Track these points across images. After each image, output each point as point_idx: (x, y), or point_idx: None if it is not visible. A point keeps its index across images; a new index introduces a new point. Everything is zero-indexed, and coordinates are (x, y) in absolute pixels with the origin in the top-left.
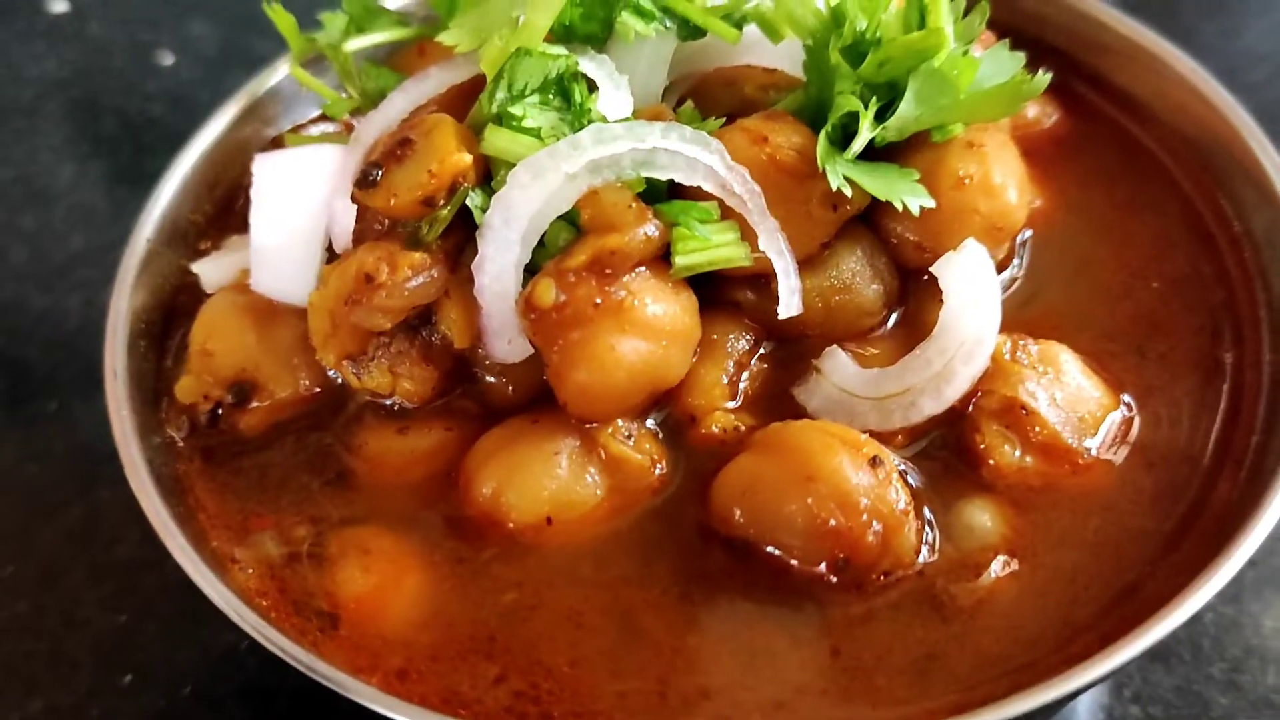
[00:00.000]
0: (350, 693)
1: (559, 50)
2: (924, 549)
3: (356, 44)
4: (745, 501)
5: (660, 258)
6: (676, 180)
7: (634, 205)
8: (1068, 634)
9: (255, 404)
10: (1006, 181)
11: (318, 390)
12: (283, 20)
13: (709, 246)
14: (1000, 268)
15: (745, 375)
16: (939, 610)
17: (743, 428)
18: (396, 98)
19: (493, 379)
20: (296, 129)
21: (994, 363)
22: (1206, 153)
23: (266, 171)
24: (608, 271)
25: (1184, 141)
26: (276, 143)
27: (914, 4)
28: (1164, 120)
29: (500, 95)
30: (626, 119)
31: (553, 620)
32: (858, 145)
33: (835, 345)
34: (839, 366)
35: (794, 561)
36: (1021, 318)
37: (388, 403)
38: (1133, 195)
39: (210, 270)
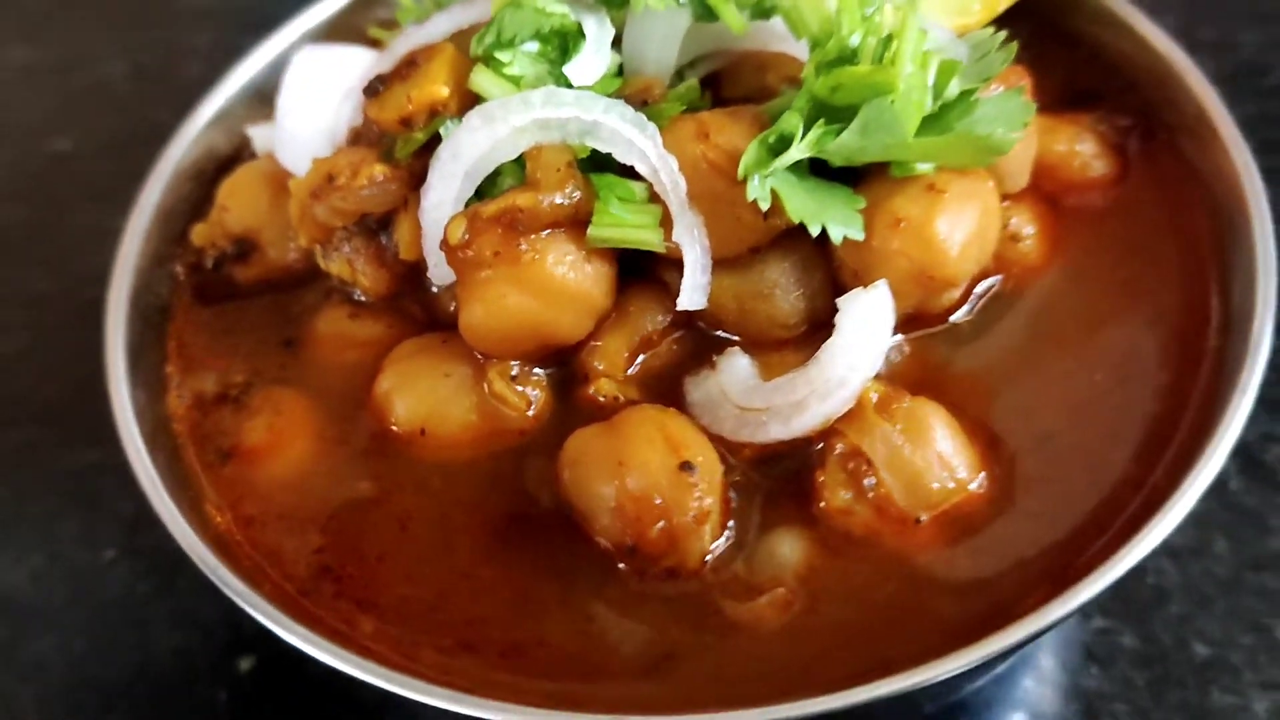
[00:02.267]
0: (177, 535)
1: (558, 8)
2: (712, 557)
3: None
4: (572, 468)
5: (583, 224)
6: (615, 156)
7: (563, 169)
8: (798, 685)
9: (253, 261)
10: (951, 234)
11: (303, 264)
12: None
13: (622, 224)
14: (945, 311)
15: (650, 352)
16: (701, 618)
17: (622, 399)
18: (441, 19)
19: (437, 291)
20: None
21: (858, 407)
22: (1229, 256)
23: (305, 60)
24: (516, 226)
25: (1218, 233)
26: None
27: (881, 40)
28: (1213, 203)
29: (489, 39)
30: (581, 88)
31: (385, 517)
32: (782, 162)
33: (739, 348)
34: (733, 369)
35: (594, 535)
36: (934, 366)
37: (354, 293)
38: (1135, 278)
39: (260, 136)
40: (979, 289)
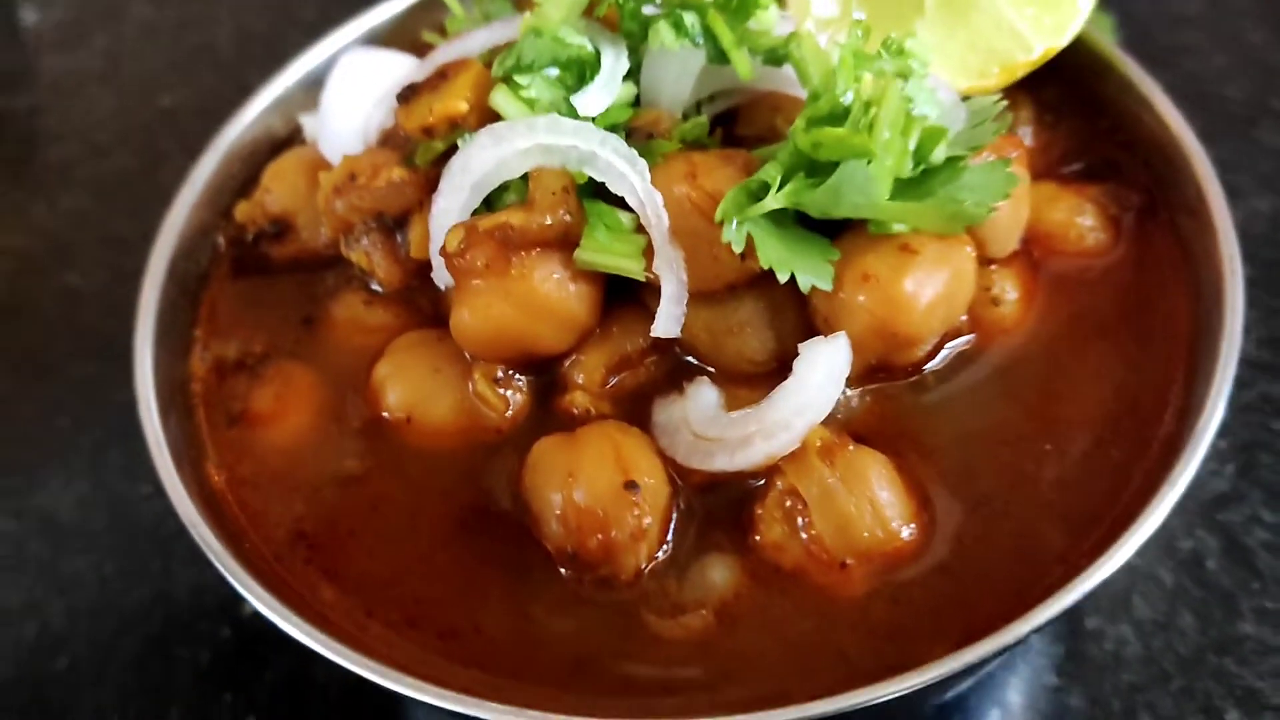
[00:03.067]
0: (169, 490)
1: (576, 39)
2: (647, 572)
3: None
4: (531, 472)
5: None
6: (608, 186)
7: (557, 193)
8: (701, 704)
9: (287, 241)
10: (918, 294)
11: (330, 249)
12: None
13: (607, 250)
14: (910, 366)
15: (629, 371)
16: (626, 628)
17: (594, 412)
18: (479, 34)
19: (444, 290)
20: None
21: (802, 450)
22: (1199, 346)
23: (350, 61)
24: (508, 241)
25: (1196, 322)
26: None
27: (861, 105)
28: (1196, 290)
29: (510, 62)
30: (585, 118)
31: (362, 495)
32: (756, 210)
33: (708, 379)
34: (699, 398)
35: (542, 537)
36: (890, 418)
37: (371, 282)
38: (1106, 354)
39: (310, 124)
40: (953, 345)
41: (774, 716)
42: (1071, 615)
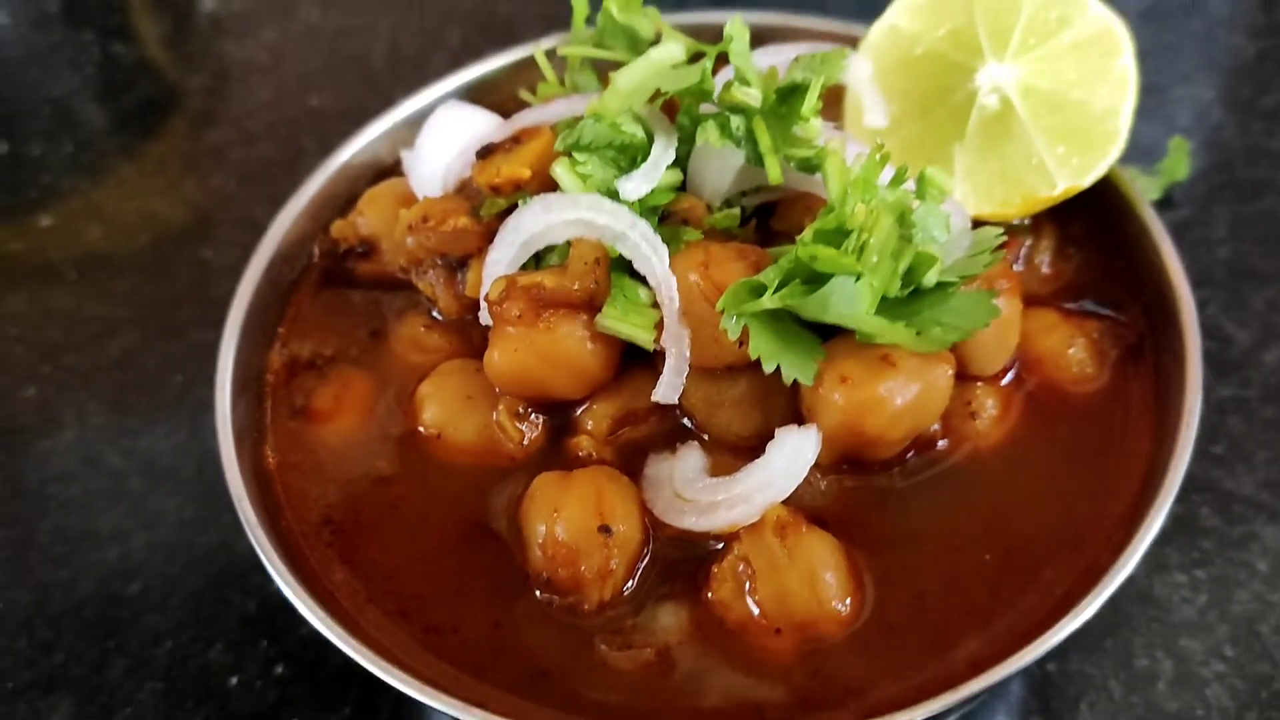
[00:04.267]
0: (226, 467)
1: (631, 127)
2: (608, 606)
3: (574, 50)
4: (527, 501)
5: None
6: (634, 264)
7: (589, 263)
8: None
9: (370, 261)
10: (888, 402)
11: (404, 274)
12: (579, 6)
13: (623, 320)
14: (879, 462)
15: (634, 425)
16: (580, 651)
17: (595, 456)
18: (558, 105)
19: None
20: None
21: (761, 523)
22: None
23: (444, 113)
24: (540, 298)
25: (1155, 466)
26: None
27: (857, 235)
28: (1160, 436)
29: (570, 140)
30: (626, 202)
31: (386, 495)
32: (750, 307)
33: (698, 444)
34: (687, 458)
35: (525, 560)
36: (851, 506)
37: (433, 309)
38: (1066, 482)
39: (407, 159)
40: (925, 450)
41: None
42: (1023, 714)
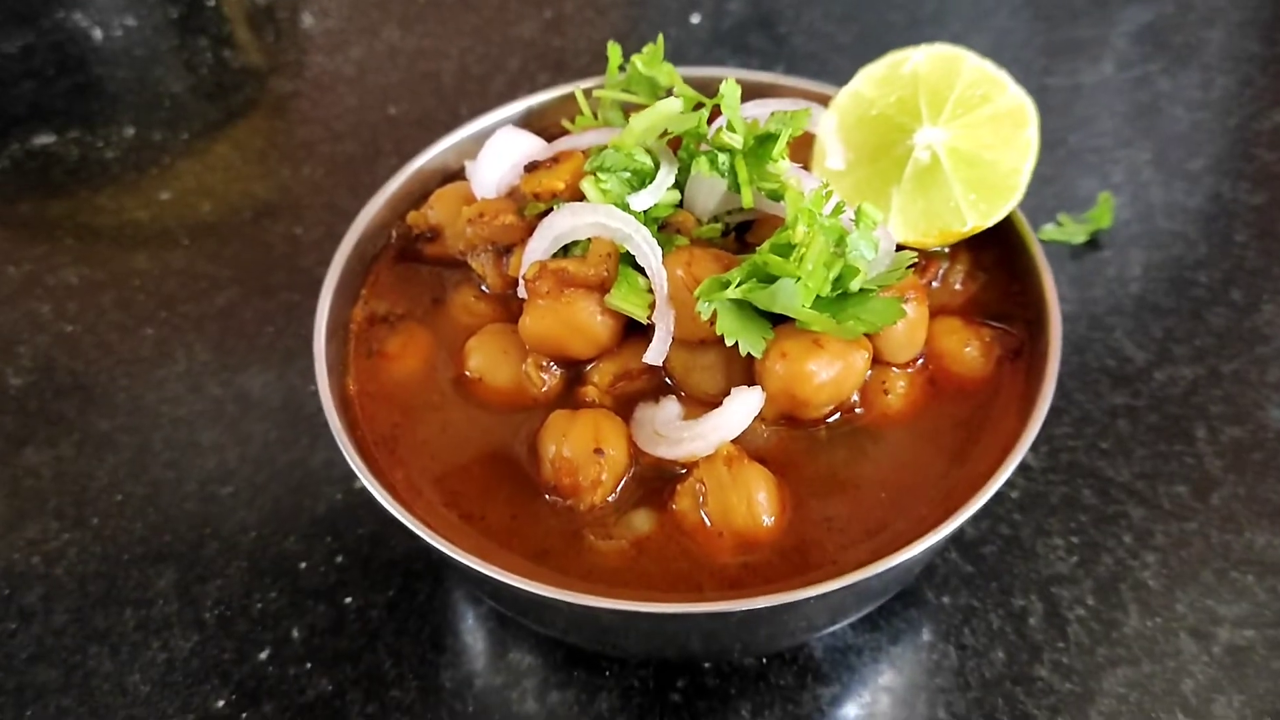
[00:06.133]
0: (322, 392)
1: (643, 158)
2: (598, 507)
3: (607, 93)
4: (544, 429)
5: (606, 290)
6: (636, 259)
7: (604, 256)
8: (609, 594)
9: (436, 244)
10: (815, 374)
11: (462, 256)
12: (614, 53)
13: (625, 300)
14: (810, 420)
15: (630, 381)
16: (573, 538)
17: (597, 402)
18: (591, 134)
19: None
20: None
21: (715, 455)
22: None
23: (501, 135)
24: (564, 279)
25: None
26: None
27: (799, 249)
28: (1022, 422)
29: (595, 163)
30: (634, 213)
31: (437, 419)
32: (718, 297)
33: (675, 397)
34: (666, 407)
35: (538, 472)
36: (787, 450)
37: (483, 284)
38: (951, 447)
39: (469, 167)
40: (847, 413)
41: (644, 606)
42: (912, 627)
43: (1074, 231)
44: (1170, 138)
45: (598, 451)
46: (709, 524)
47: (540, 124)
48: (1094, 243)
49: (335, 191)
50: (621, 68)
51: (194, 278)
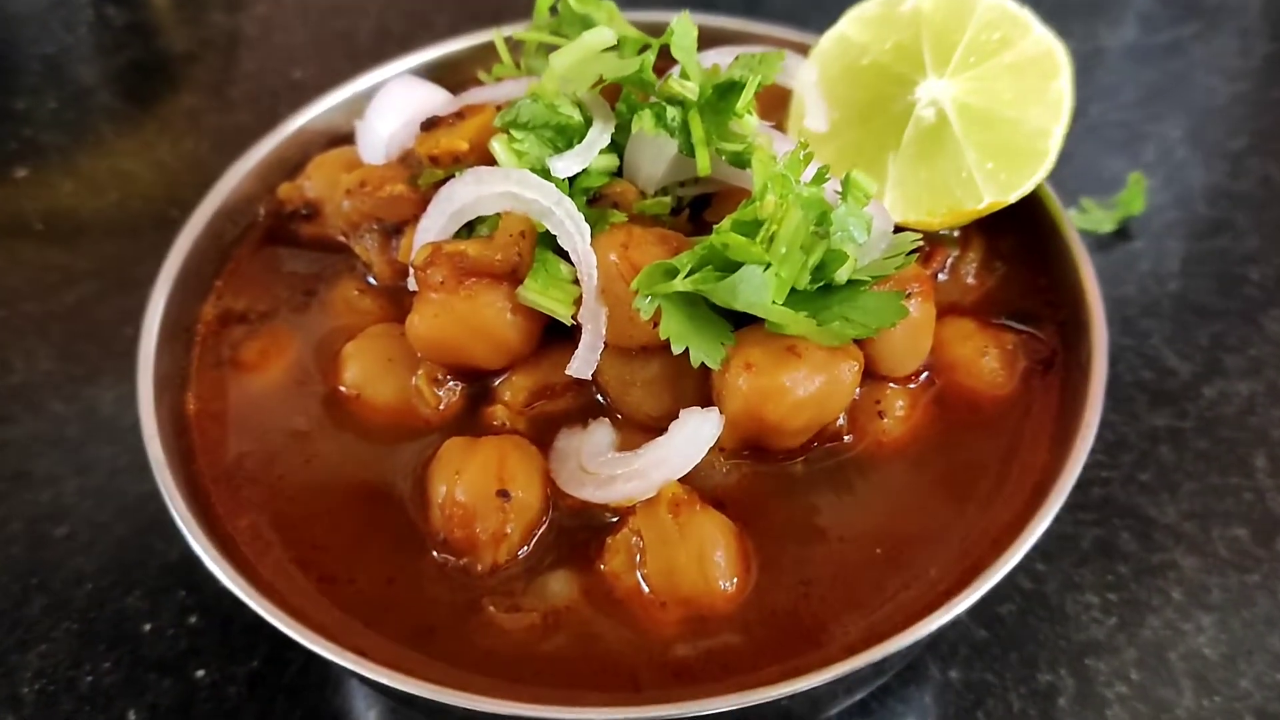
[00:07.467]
0: (143, 413)
1: (569, 110)
2: (501, 568)
3: (532, 35)
4: (434, 463)
5: (518, 282)
6: (559, 240)
7: (514, 235)
8: (505, 689)
9: (313, 224)
10: (790, 392)
11: (345, 239)
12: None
13: (543, 293)
14: (782, 452)
15: (548, 399)
16: (469, 611)
17: (509, 426)
18: (508, 84)
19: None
20: None
21: (657, 499)
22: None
23: (395, 85)
24: (463, 266)
25: (1047, 479)
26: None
27: (768, 226)
28: (1057, 450)
29: (509, 117)
30: (553, 180)
31: (300, 449)
32: (662, 289)
33: (609, 420)
34: (595, 434)
35: (426, 519)
36: (752, 492)
37: (368, 274)
38: (961, 488)
39: (359, 128)
40: (830, 442)
41: (558, 713)
42: (913, 710)
43: (1100, 219)
44: (1206, 111)
45: (502, 494)
46: (648, 591)
47: (455, 79)
48: (1123, 232)
49: (220, 169)
50: (554, 10)
51: (44, 269)
